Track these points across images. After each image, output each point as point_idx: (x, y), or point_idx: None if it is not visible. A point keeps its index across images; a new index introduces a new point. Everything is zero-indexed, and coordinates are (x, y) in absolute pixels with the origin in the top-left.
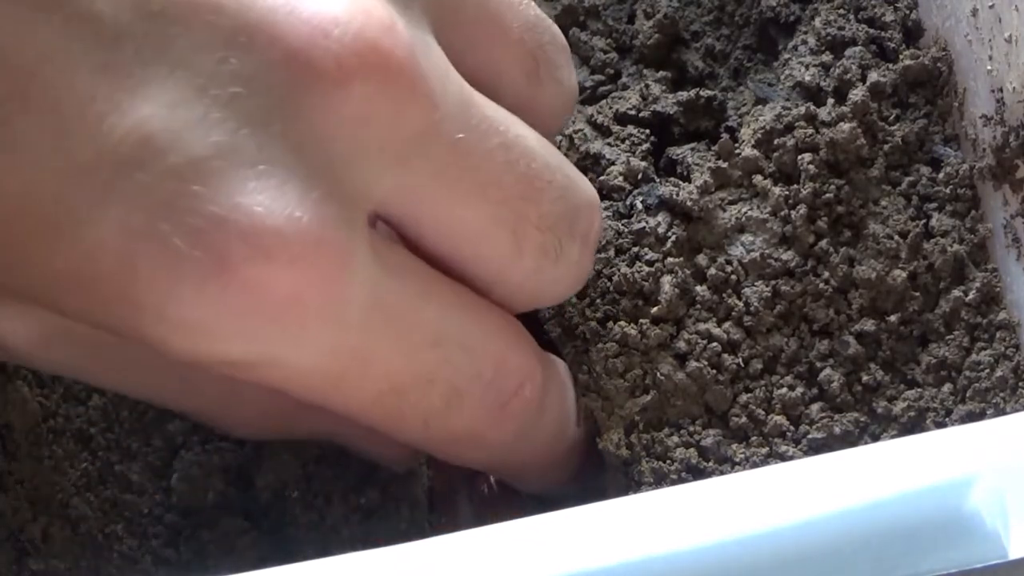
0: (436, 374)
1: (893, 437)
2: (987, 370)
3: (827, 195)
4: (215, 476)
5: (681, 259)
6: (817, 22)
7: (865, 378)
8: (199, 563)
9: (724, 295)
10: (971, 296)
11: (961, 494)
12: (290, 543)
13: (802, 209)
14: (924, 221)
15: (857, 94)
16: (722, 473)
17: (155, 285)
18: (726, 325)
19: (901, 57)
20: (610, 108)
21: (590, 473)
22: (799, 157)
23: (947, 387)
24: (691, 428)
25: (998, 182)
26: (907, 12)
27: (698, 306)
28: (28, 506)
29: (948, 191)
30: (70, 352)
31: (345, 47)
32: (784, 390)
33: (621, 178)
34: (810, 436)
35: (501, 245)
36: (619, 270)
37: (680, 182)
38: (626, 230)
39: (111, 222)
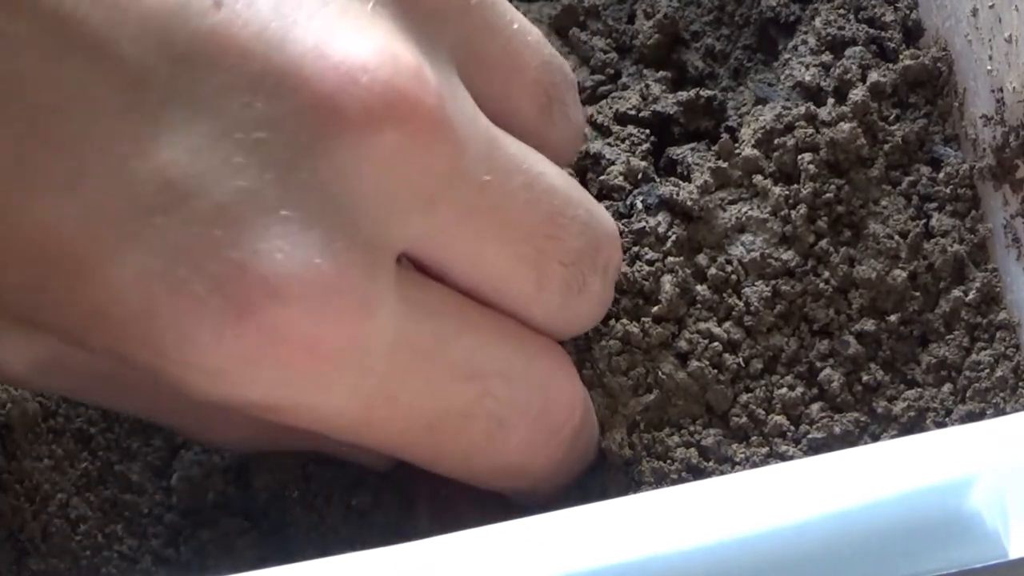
0: (474, 408)
1: (893, 437)
2: (987, 370)
3: (827, 195)
4: (215, 476)
5: (681, 259)
6: (817, 22)
7: (865, 378)
8: (199, 563)
9: (724, 295)
10: (971, 296)
11: (961, 494)
12: (290, 543)
13: (802, 209)
14: (924, 221)
15: (857, 94)
16: (722, 473)
17: (175, 330)
18: (727, 325)
19: (901, 57)
20: (610, 108)
21: (590, 473)
22: (799, 157)
23: (947, 387)
24: (692, 428)
25: (998, 182)
26: (907, 12)
27: (699, 306)
28: (28, 506)
29: (948, 191)
30: (66, 380)
31: (374, 94)
32: (784, 390)
33: (621, 178)
34: (810, 436)
35: (524, 282)
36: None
37: (680, 182)
38: (626, 230)
39: (131, 266)
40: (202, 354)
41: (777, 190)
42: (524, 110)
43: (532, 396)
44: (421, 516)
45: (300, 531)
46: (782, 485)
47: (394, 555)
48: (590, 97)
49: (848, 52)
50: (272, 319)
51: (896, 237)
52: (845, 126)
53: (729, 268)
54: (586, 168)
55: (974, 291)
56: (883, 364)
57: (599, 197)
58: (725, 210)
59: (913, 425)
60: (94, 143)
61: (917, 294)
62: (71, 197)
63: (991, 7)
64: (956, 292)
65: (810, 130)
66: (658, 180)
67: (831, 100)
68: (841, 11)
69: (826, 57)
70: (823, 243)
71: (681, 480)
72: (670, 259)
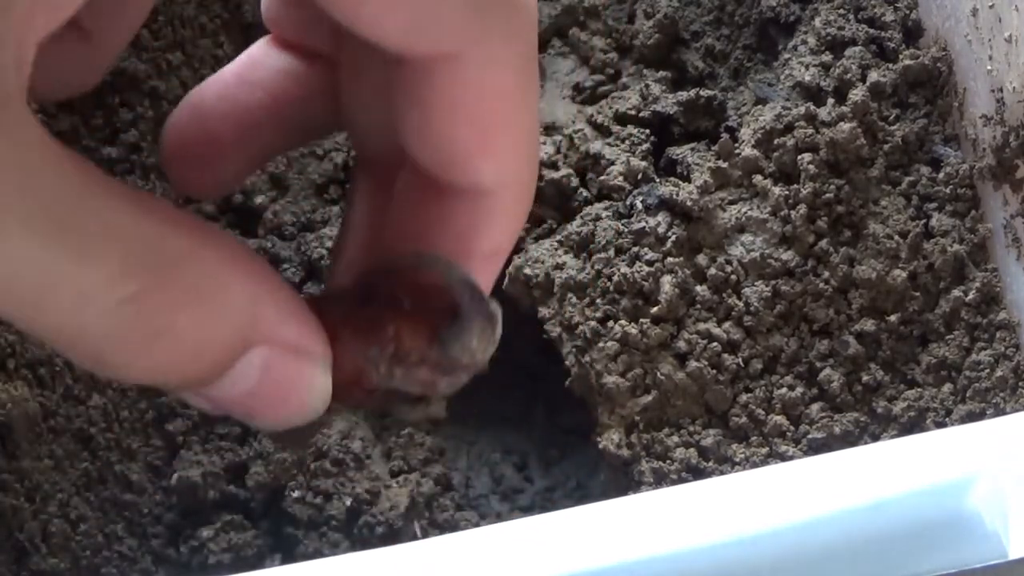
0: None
1: (893, 437)
2: (987, 370)
3: (827, 195)
4: (215, 476)
5: (681, 259)
6: (817, 22)
7: (865, 378)
8: (199, 563)
9: (724, 295)
10: (971, 296)
11: (961, 494)
12: (290, 543)
13: (802, 209)
14: (924, 221)
15: (857, 94)
16: (722, 473)
17: None
18: (726, 325)
19: (901, 57)
20: (610, 108)
21: (590, 473)
22: (799, 157)
23: (947, 387)
24: (691, 428)
25: (998, 182)
26: (907, 12)
27: (698, 306)
28: (28, 506)
29: (948, 191)
30: None
31: None
32: (784, 390)
33: (621, 178)
34: (810, 436)
35: None
36: (619, 270)
37: (680, 182)
38: (626, 230)
39: None
40: None
41: (777, 190)
42: None
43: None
44: None
45: (300, 531)
46: (782, 485)
47: (394, 555)
48: (590, 97)
49: (848, 52)
50: None
51: (896, 237)
52: (845, 126)
53: (729, 268)
54: (586, 168)
55: (974, 291)
56: (883, 364)
57: (599, 197)
58: (725, 210)
59: (913, 425)
60: None
61: (917, 294)
62: None
63: (991, 7)
64: (956, 292)
65: (810, 130)
66: (658, 180)
67: (831, 100)
68: (841, 11)
69: (826, 57)
70: (823, 243)
71: (681, 480)
72: (670, 259)
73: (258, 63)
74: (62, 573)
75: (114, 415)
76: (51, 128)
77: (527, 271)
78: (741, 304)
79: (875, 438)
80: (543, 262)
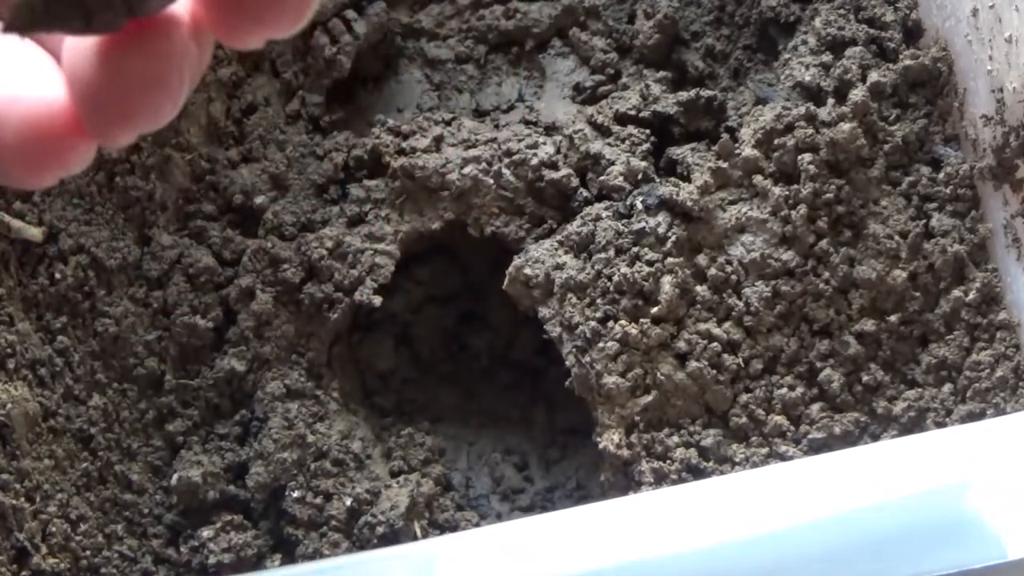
0: None
1: (893, 437)
2: (987, 370)
3: (827, 195)
4: (215, 476)
5: (681, 259)
6: (817, 22)
7: (865, 378)
8: (199, 563)
9: (724, 295)
10: (971, 296)
11: (961, 495)
12: (290, 543)
13: (802, 209)
14: (924, 221)
15: (857, 94)
16: (722, 473)
17: None
18: (726, 325)
19: (901, 57)
20: (610, 108)
21: (590, 473)
22: (799, 157)
23: (947, 387)
24: (691, 428)
25: (998, 182)
26: (907, 12)
27: (698, 306)
28: (28, 506)
29: (948, 191)
30: None
31: None
32: (784, 390)
33: (621, 178)
34: (810, 436)
35: None
36: (619, 270)
37: (680, 182)
38: (626, 230)
39: None
40: None
41: (777, 190)
42: None
43: None
44: None
45: (300, 530)
46: (782, 485)
47: (394, 555)
48: (590, 97)
49: (848, 52)
50: None
51: (896, 237)
52: (845, 126)
53: (729, 268)
54: (586, 168)
55: (974, 291)
56: (883, 364)
57: (599, 197)
58: (725, 210)
59: (913, 425)
60: None
61: (917, 294)
62: None
63: (991, 7)
64: (956, 292)
65: (810, 130)
66: (658, 180)
67: (831, 100)
68: (841, 11)
69: (826, 57)
70: (823, 243)
71: (681, 480)
72: (670, 259)
73: None
74: (62, 573)
75: (114, 415)
76: None
77: (527, 271)
78: (741, 304)
79: (875, 438)
80: (543, 262)
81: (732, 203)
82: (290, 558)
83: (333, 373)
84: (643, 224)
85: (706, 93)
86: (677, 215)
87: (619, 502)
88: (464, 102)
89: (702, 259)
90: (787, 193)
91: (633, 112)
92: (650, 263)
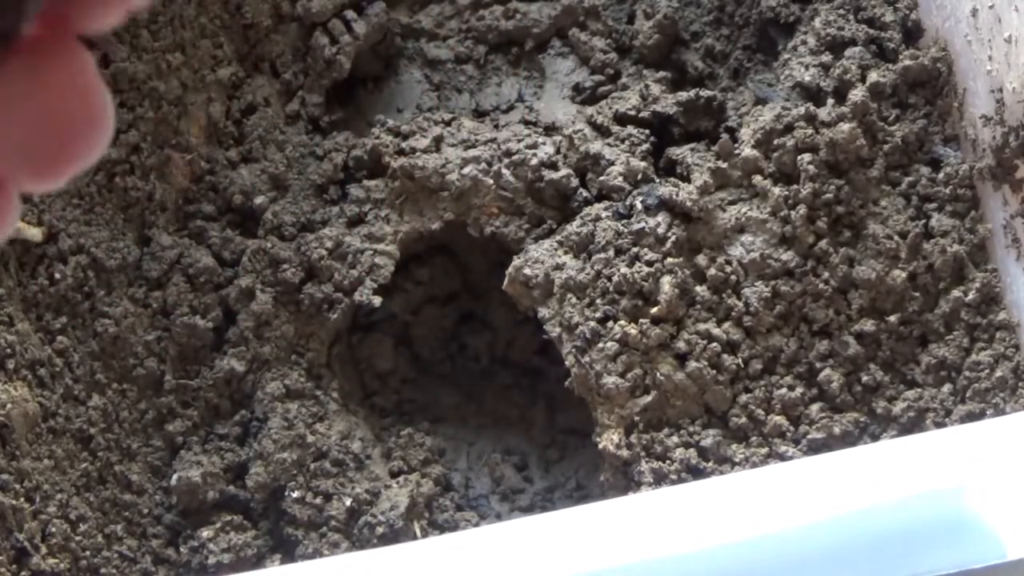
0: None
1: (893, 437)
2: (987, 370)
3: (827, 195)
4: (215, 476)
5: (681, 259)
6: (817, 22)
7: (865, 378)
8: (199, 563)
9: (724, 295)
10: (971, 296)
11: (960, 495)
12: (290, 543)
13: (802, 209)
14: (924, 221)
15: (857, 94)
16: (722, 473)
17: None
18: (726, 325)
19: (901, 57)
20: (610, 108)
21: (590, 473)
22: (799, 157)
23: (947, 387)
24: (691, 428)
25: (998, 182)
26: (907, 12)
27: (698, 306)
28: (28, 506)
29: (948, 191)
30: None
31: None
32: (784, 390)
33: (621, 178)
34: (810, 436)
35: None
36: (619, 270)
37: (680, 182)
38: (626, 230)
39: None
40: None
41: (777, 190)
42: None
43: None
44: None
45: (300, 530)
46: (782, 486)
47: (394, 555)
48: (590, 97)
49: (848, 52)
50: None
51: (896, 237)
52: (845, 126)
53: (729, 269)
54: (586, 168)
55: (974, 291)
56: (883, 364)
57: (599, 197)
58: (725, 211)
59: (913, 425)
60: None
61: (917, 294)
62: None
63: (991, 7)
64: (956, 292)
65: (810, 130)
66: (658, 180)
67: (831, 100)
68: (841, 11)
69: (826, 57)
70: (823, 244)
71: (680, 480)
72: (669, 260)
73: None
74: (62, 573)
75: (114, 415)
76: None
77: (527, 271)
78: (741, 304)
79: (875, 438)
80: (543, 262)
81: (732, 203)
82: (290, 558)
83: (333, 373)
84: (643, 224)
85: (706, 93)
86: (677, 215)
87: (619, 502)
88: (464, 102)
89: (702, 259)
90: (787, 193)
91: (633, 112)
92: (650, 263)
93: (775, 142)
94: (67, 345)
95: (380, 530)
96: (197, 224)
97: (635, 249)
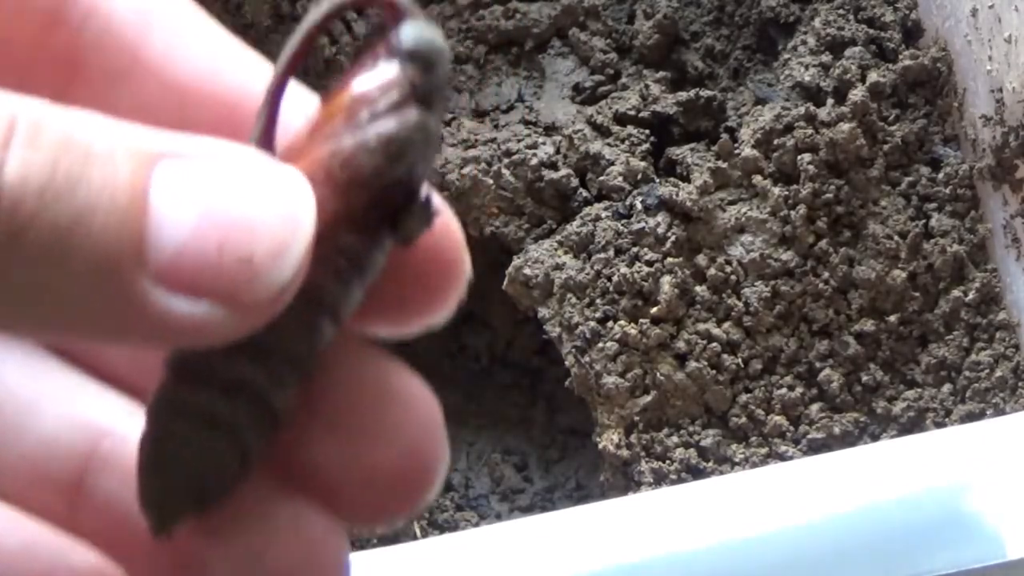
0: None
1: (893, 437)
2: (987, 370)
3: (827, 195)
4: None
5: (681, 259)
6: (817, 22)
7: (865, 378)
8: None
9: (724, 295)
10: (971, 296)
11: (960, 494)
12: None
13: (802, 209)
14: (924, 221)
15: (857, 94)
16: (722, 473)
17: None
18: (726, 325)
19: (901, 57)
20: (610, 108)
21: (590, 473)
22: (799, 157)
23: (947, 387)
24: (691, 428)
25: (998, 182)
26: (907, 12)
27: (698, 306)
28: None
29: (948, 191)
30: None
31: None
32: (784, 390)
33: (621, 178)
34: (810, 436)
35: None
36: (619, 270)
37: (680, 182)
38: (626, 230)
39: None
40: None
41: (777, 190)
42: None
43: None
44: None
45: None
46: (782, 485)
47: (394, 555)
48: (590, 97)
49: (848, 52)
50: None
51: (896, 237)
52: (845, 126)
53: (728, 268)
54: (586, 168)
55: (974, 291)
56: (883, 364)
57: (599, 197)
58: (725, 210)
59: (913, 425)
60: None
61: (917, 294)
62: None
63: (991, 7)
64: (956, 292)
65: (810, 130)
66: (658, 180)
67: (831, 100)
68: (841, 11)
69: (826, 57)
70: (823, 243)
71: (680, 480)
72: (669, 259)
73: None
74: None
75: None
76: None
77: (527, 271)
78: (741, 304)
79: (875, 438)
80: (543, 262)
81: (732, 203)
82: None
83: None
84: (643, 224)
85: (706, 93)
86: (677, 215)
87: (619, 502)
88: (463, 102)
89: (702, 259)
90: (786, 193)
91: (633, 112)
92: (649, 263)
93: (775, 142)
94: None
95: (380, 530)
96: None
97: (635, 249)
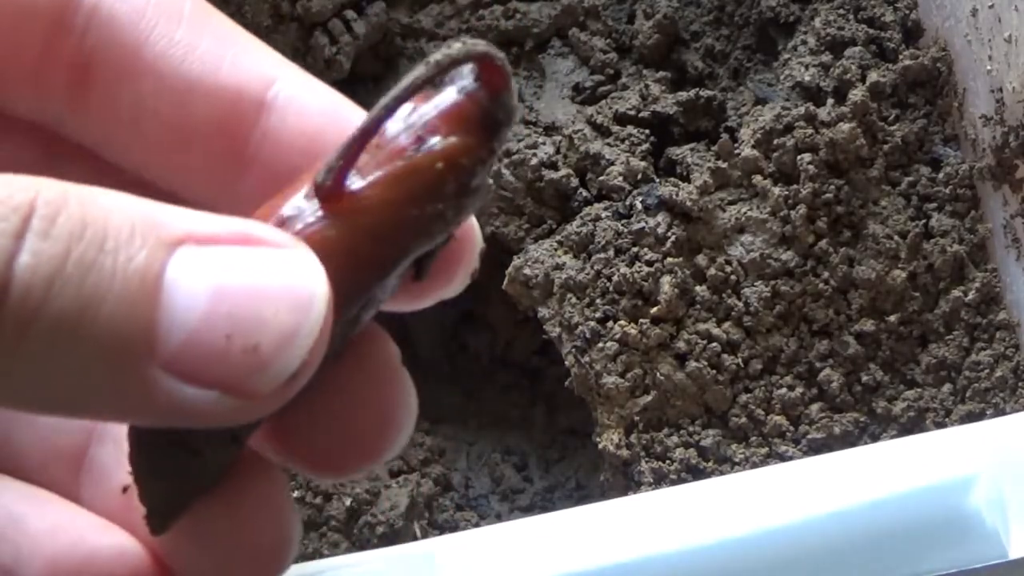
0: None
1: (893, 437)
2: (987, 370)
3: (827, 195)
4: None
5: (681, 259)
6: (817, 22)
7: (865, 378)
8: None
9: (724, 295)
10: (971, 296)
11: (961, 494)
12: None
13: (802, 209)
14: (924, 221)
15: (857, 94)
16: (722, 473)
17: None
18: (726, 325)
19: (901, 57)
20: (610, 108)
21: (590, 473)
22: (799, 157)
23: (947, 387)
24: (691, 428)
25: (998, 182)
26: (907, 12)
27: (698, 306)
28: None
29: (948, 191)
30: None
31: None
32: (784, 390)
33: (621, 178)
34: (810, 436)
35: None
36: (619, 270)
37: (680, 182)
38: (626, 230)
39: None
40: None
41: (777, 190)
42: None
43: None
44: None
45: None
46: (782, 485)
47: (394, 555)
48: (590, 97)
49: (848, 52)
50: None
51: (896, 237)
52: (845, 126)
53: (728, 268)
54: (585, 168)
55: (974, 291)
56: (883, 364)
57: (599, 197)
58: (725, 210)
59: (913, 425)
60: None
61: (917, 294)
62: None
63: (991, 7)
64: (956, 292)
65: (810, 130)
66: (658, 180)
67: (831, 100)
68: (841, 11)
69: (826, 57)
70: (823, 243)
71: (680, 480)
72: (669, 260)
73: None
74: None
75: None
76: None
77: (527, 271)
78: (741, 304)
79: (875, 438)
80: (543, 262)
81: (732, 203)
82: None
83: None
84: (643, 224)
85: (706, 93)
86: (677, 215)
87: (619, 502)
88: None
89: (701, 259)
90: (787, 193)
91: (633, 112)
92: (649, 263)
93: (775, 142)
94: None
95: (380, 530)
96: None
97: (635, 249)
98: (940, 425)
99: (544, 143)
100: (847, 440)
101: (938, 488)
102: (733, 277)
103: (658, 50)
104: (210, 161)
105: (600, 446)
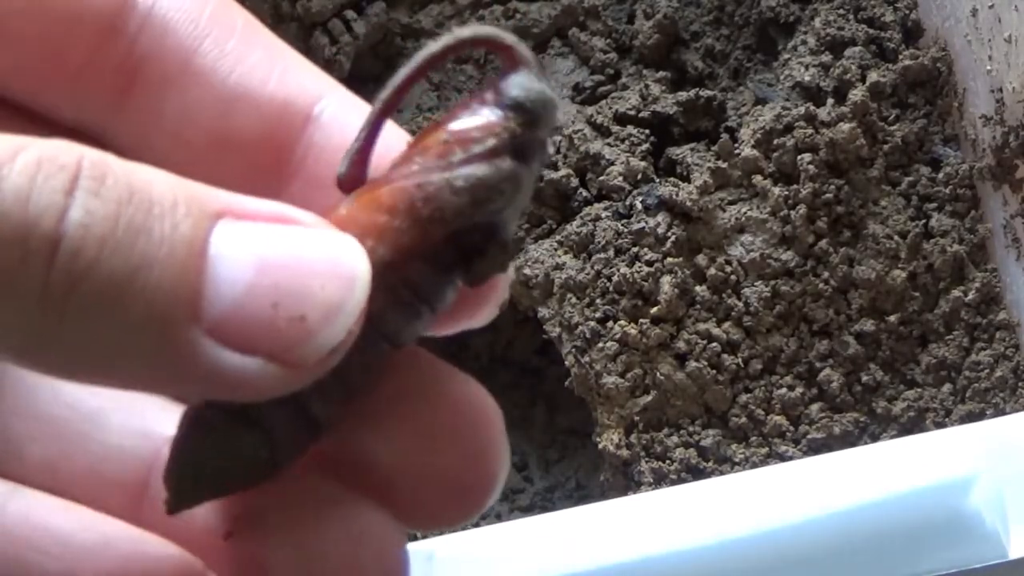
0: None
1: (893, 437)
2: (987, 370)
3: (827, 195)
4: None
5: (681, 259)
6: (817, 22)
7: (865, 378)
8: None
9: (724, 295)
10: (971, 296)
11: (961, 494)
12: None
13: (802, 209)
14: (924, 221)
15: (857, 94)
16: (722, 473)
17: None
18: (726, 325)
19: (901, 57)
20: (610, 108)
21: (590, 473)
22: (799, 157)
23: (947, 387)
24: (691, 428)
25: (998, 182)
26: (907, 12)
27: (698, 306)
28: None
29: (948, 191)
30: None
31: None
32: (784, 390)
33: (621, 178)
34: (810, 436)
35: None
36: (619, 270)
37: (680, 182)
38: (626, 230)
39: None
40: None
41: (777, 190)
42: None
43: None
44: None
45: None
46: (782, 485)
47: None
48: (590, 97)
49: (848, 52)
50: None
51: (896, 237)
52: (845, 126)
53: (728, 268)
54: (586, 168)
55: (974, 291)
56: (883, 364)
57: (599, 197)
58: (725, 210)
59: (913, 425)
60: None
61: (917, 294)
62: None
63: (991, 7)
64: (956, 292)
65: (810, 130)
66: (658, 180)
67: (831, 100)
68: (841, 11)
69: (826, 57)
70: (823, 243)
71: (680, 480)
72: (669, 260)
73: None
74: None
75: None
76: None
77: (527, 271)
78: (741, 304)
79: (875, 438)
80: (543, 262)
81: (732, 203)
82: None
83: None
84: (643, 224)
85: (706, 93)
86: (677, 215)
87: (619, 502)
88: None
89: (702, 259)
90: (787, 193)
91: (632, 112)
92: (649, 263)
93: (775, 142)
94: None
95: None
96: None
97: (635, 249)
98: (940, 425)
99: None
100: (847, 440)
101: (938, 488)
102: (733, 277)
103: (658, 50)
104: (251, 173)
105: (600, 446)
